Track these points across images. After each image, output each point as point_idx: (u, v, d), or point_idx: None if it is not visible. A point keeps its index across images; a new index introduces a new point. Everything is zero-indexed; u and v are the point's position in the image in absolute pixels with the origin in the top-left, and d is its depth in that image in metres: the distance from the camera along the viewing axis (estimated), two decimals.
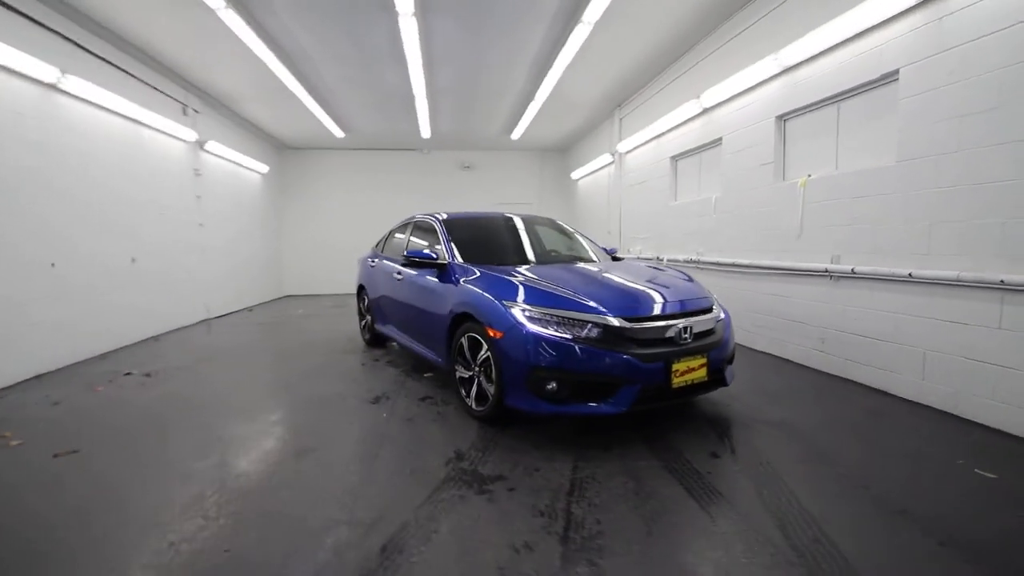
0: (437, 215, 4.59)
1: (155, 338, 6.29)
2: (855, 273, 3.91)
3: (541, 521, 2.11)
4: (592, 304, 2.92)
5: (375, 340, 5.69)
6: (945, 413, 3.30)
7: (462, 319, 3.42)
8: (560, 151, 12.42)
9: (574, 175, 11.35)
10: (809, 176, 4.47)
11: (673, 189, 7.05)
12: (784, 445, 2.88)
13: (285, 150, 11.42)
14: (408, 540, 1.97)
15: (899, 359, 3.64)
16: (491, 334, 3.01)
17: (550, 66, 6.49)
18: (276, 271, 11.16)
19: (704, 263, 6.01)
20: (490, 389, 3.13)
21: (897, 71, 3.57)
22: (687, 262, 6.33)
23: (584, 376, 2.77)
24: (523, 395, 2.87)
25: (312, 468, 2.65)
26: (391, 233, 5.60)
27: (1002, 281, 2.88)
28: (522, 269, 3.58)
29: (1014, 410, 2.91)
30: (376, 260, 5.48)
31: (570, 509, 2.21)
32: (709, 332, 3.14)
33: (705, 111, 5.96)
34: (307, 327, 7.23)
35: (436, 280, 3.90)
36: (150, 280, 6.29)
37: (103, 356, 5.28)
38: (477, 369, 3.27)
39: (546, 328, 2.84)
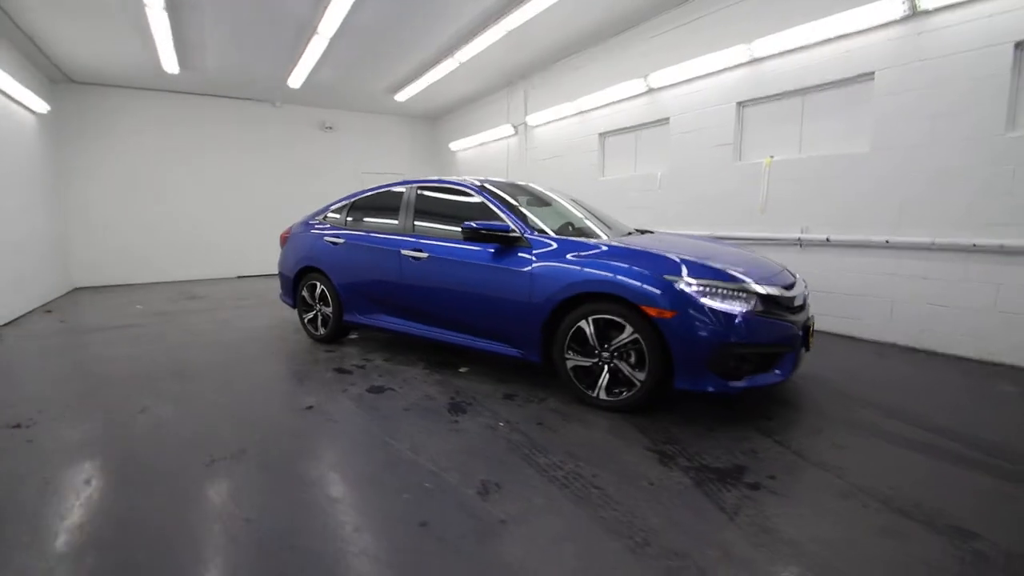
0: (466, 179, 3.87)
1: None
2: (830, 241, 4.67)
3: (858, 501, 2.02)
4: (744, 274, 2.84)
5: (336, 334, 4.55)
6: (911, 348, 4.24)
7: (578, 300, 2.97)
8: (431, 119, 11.62)
9: (454, 146, 10.78)
10: (772, 157, 5.12)
11: (601, 165, 7.28)
12: (863, 391, 3.31)
13: (70, 85, 8.02)
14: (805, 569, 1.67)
15: (865, 309, 4.51)
16: (652, 314, 2.70)
17: (493, 24, 5.96)
18: (62, 255, 7.93)
19: None
20: (637, 376, 2.82)
21: (873, 73, 4.30)
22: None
23: (764, 348, 2.72)
24: (702, 375, 2.66)
25: (527, 514, 2.01)
26: (355, 204, 4.50)
27: (974, 244, 3.80)
28: (604, 241, 3.26)
29: (975, 340, 3.90)
30: (342, 236, 4.34)
31: (866, 484, 2.16)
32: None
33: (651, 91, 6.26)
34: (188, 327, 5.35)
35: (501, 257, 3.29)
36: None
37: None
38: (607, 356, 2.91)
39: (720, 302, 2.67)
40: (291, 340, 4.80)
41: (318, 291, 4.55)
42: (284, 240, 5.03)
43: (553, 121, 7.96)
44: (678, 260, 2.84)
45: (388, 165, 11.25)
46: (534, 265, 3.15)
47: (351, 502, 2.06)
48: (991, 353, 3.83)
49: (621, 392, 2.90)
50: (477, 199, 3.65)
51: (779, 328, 2.75)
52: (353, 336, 4.84)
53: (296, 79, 7.97)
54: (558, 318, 3.08)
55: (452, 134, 10.94)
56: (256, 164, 9.75)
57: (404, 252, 3.83)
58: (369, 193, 4.48)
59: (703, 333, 2.62)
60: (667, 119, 6.15)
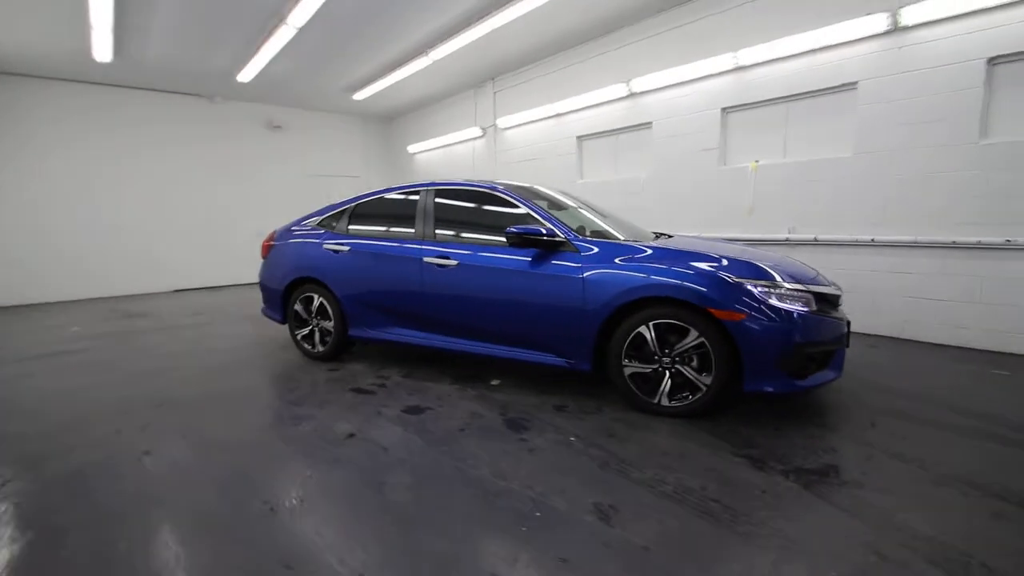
0: (490, 183, 3.70)
1: None
2: (817, 241, 4.95)
3: (954, 489, 2.09)
4: (792, 274, 2.90)
5: (338, 351, 4.16)
6: (894, 338, 4.58)
7: (636, 306, 2.89)
8: (385, 120, 11.15)
9: (412, 148, 10.41)
10: (758, 162, 5.36)
11: (579, 168, 7.30)
12: (882, 381, 3.51)
13: None
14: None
15: (852, 303, 4.79)
16: (722, 316, 2.67)
17: (476, 23, 5.79)
18: None
19: None
20: (703, 380, 2.79)
21: (856, 83, 4.61)
22: None
23: (825, 346, 2.78)
24: (771, 376, 2.66)
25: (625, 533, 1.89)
26: (358, 210, 4.16)
27: (953, 241, 4.17)
28: (648, 244, 3.20)
29: (953, 329, 4.28)
30: (346, 244, 3.98)
31: (950, 472, 2.24)
32: None
33: (633, 95, 6.35)
34: (149, 350, 4.66)
35: (544, 263, 3.16)
36: None
37: None
38: (667, 361, 2.85)
39: (785, 303, 2.70)
40: (281, 359, 4.33)
41: (315, 304, 4.15)
42: (267, 249, 4.55)
43: (527, 123, 7.87)
44: (739, 262, 2.84)
45: (341, 168, 10.65)
46: (585, 270, 3.04)
47: (469, 542, 1.83)
48: (967, 340, 4.22)
49: (686, 397, 2.86)
50: (512, 203, 3.48)
51: (834, 326, 2.83)
52: (352, 350, 4.47)
53: (248, 73, 7.30)
54: (611, 325, 2.99)
55: (410, 136, 10.55)
56: (192, 166, 8.83)
57: (427, 260, 3.57)
58: (373, 197, 4.15)
59: (774, 334, 2.63)
60: (650, 123, 6.27)
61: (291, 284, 4.28)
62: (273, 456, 2.55)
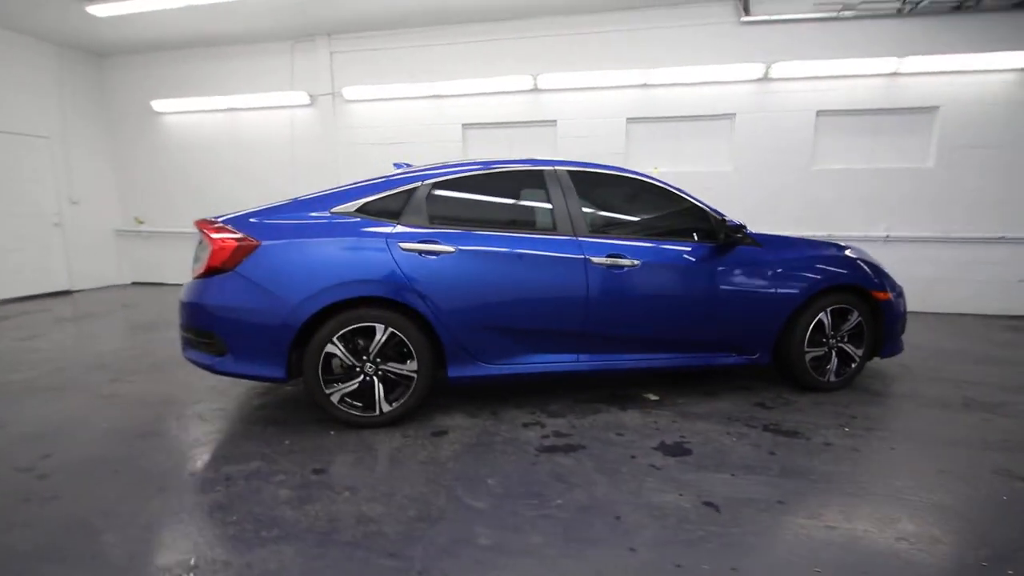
0: (631, 170, 3.18)
1: None
2: None
3: None
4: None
5: (414, 407, 2.74)
6: None
7: (823, 293, 3.12)
8: (99, 55, 7.26)
9: (161, 105, 7.20)
10: (658, 168, 6.24)
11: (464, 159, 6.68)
12: None
13: None
14: None
15: None
16: (880, 297, 3.20)
17: None
18: None
19: None
20: (857, 353, 3.26)
21: (735, 114, 5.96)
22: None
23: None
24: (896, 342, 3.36)
25: None
26: (436, 196, 2.81)
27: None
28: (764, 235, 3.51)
29: None
30: (448, 243, 2.66)
31: None
32: None
33: (538, 90, 6.26)
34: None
35: (727, 258, 3.10)
36: None
37: None
38: (833, 341, 3.21)
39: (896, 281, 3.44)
40: (301, 443, 2.53)
41: (378, 339, 2.60)
42: (237, 252, 2.51)
43: (390, 99, 6.64)
44: (860, 250, 3.43)
45: (18, 122, 6.38)
46: (775, 263, 3.11)
47: None
48: None
49: (844, 371, 3.27)
50: (670, 194, 3.20)
51: None
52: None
53: None
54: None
55: (159, 87, 7.23)
56: None
57: (595, 260, 2.79)
58: (459, 176, 2.89)
59: (902, 306, 3.34)
60: (554, 121, 6.35)
61: (317, 314, 2.54)
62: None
